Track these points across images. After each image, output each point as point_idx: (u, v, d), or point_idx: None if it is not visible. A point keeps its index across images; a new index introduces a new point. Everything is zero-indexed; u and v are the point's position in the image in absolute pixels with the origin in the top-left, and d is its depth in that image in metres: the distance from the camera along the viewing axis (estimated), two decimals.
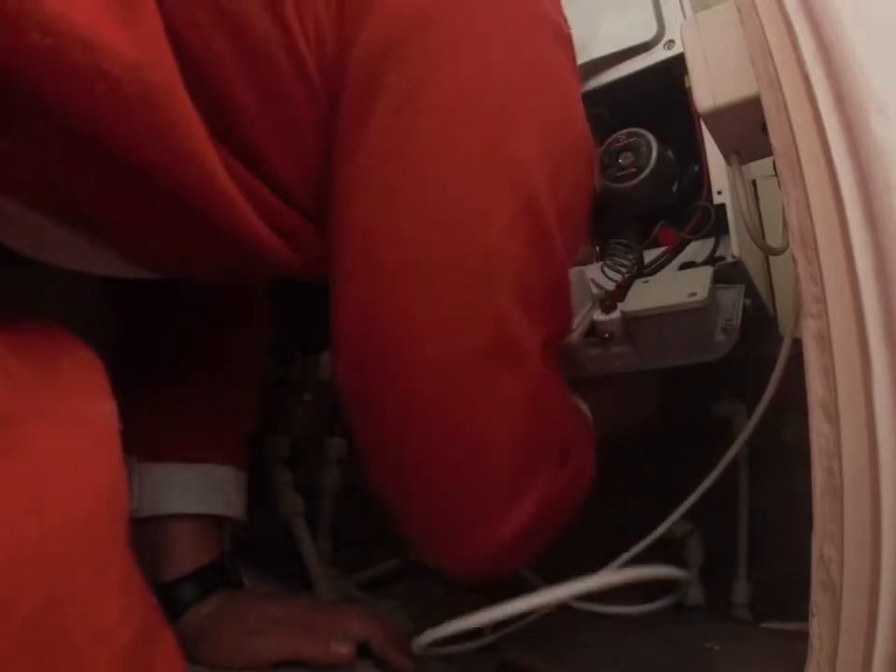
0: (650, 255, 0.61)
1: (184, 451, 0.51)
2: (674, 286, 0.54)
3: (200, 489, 0.51)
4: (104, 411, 0.28)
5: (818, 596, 0.25)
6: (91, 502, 0.24)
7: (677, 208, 0.67)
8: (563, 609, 0.56)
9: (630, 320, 0.52)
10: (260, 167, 0.36)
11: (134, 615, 0.26)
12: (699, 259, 0.62)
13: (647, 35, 0.67)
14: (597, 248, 0.65)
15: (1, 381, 0.22)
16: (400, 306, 0.36)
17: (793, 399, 0.30)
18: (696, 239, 0.65)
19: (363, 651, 0.47)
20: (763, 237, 0.55)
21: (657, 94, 0.59)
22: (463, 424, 0.37)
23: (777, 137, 0.29)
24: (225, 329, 0.59)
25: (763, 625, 0.54)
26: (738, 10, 0.35)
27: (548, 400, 0.42)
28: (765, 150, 0.38)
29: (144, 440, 0.49)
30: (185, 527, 0.50)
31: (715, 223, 0.63)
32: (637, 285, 0.56)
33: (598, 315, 0.53)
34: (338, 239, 0.39)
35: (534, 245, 0.38)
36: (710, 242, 0.63)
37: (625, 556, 0.59)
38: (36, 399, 0.23)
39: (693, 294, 0.52)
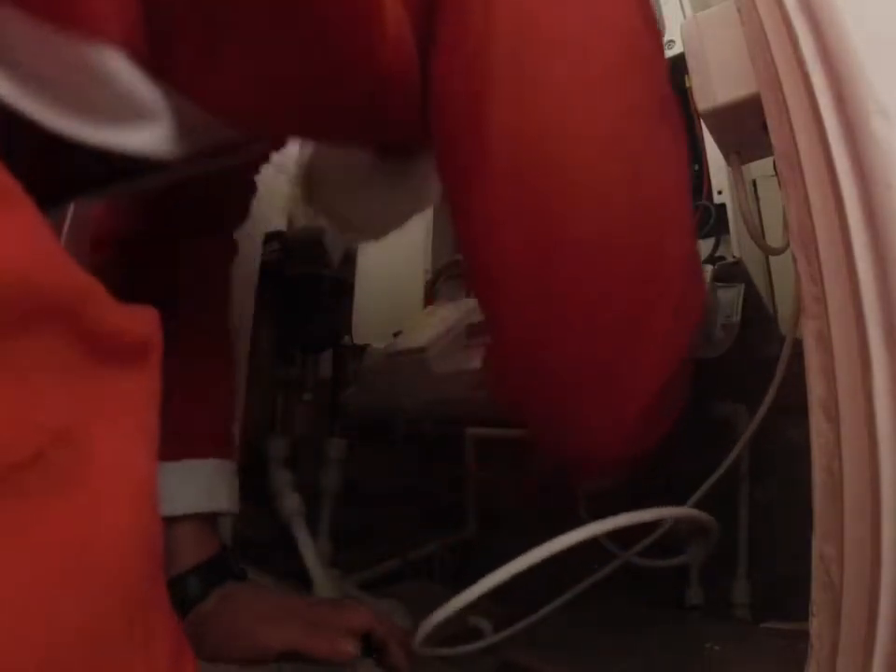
0: None
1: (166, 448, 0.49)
2: None
3: (192, 488, 0.49)
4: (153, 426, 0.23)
5: (818, 596, 0.25)
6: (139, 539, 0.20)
7: None
8: (564, 608, 0.56)
9: None
10: None
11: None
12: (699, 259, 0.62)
13: None
14: None
15: (63, 381, 0.18)
16: (554, 81, 0.32)
17: (794, 399, 0.30)
18: (697, 238, 0.65)
19: (363, 648, 0.47)
20: (764, 237, 0.55)
21: None
22: (637, 184, 0.33)
23: (777, 137, 0.29)
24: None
25: (762, 625, 0.54)
26: (738, 10, 0.35)
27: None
28: (765, 150, 0.38)
29: None
30: (182, 527, 0.48)
31: (715, 223, 0.64)
32: None
33: None
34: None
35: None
36: (710, 241, 0.64)
37: (625, 556, 0.59)
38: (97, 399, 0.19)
39: None
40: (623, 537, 0.63)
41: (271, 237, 0.84)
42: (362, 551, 0.83)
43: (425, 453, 0.90)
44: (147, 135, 0.30)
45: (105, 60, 0.26)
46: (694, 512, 0.48)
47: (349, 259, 0.91)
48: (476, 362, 0.61)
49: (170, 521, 0.47)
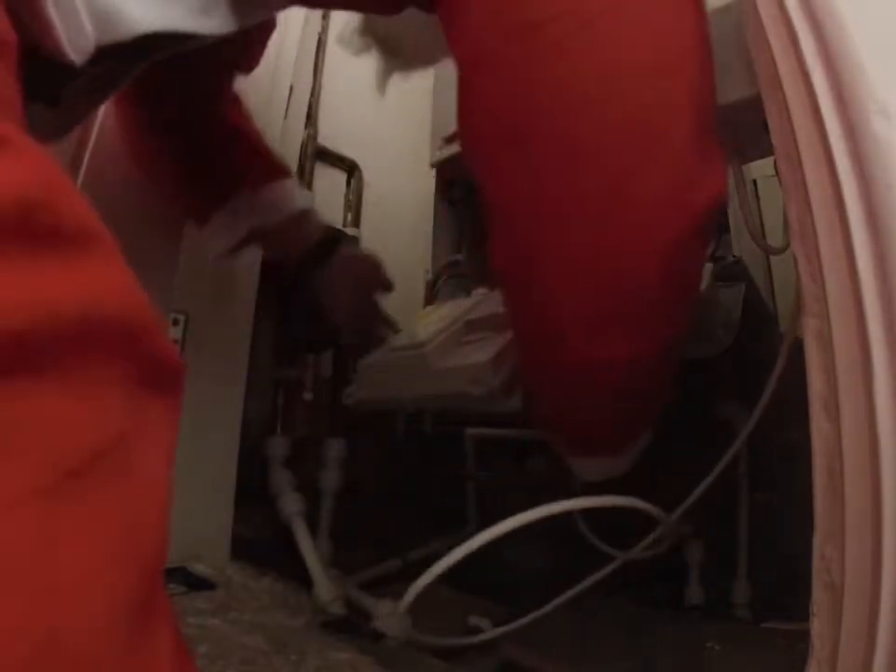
0: None
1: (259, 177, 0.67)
2: None
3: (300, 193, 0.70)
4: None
5: (818, 596, 0.24)
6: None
7: None
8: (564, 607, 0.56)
9: None
10: None
11: None
12: None
13: None
14: None
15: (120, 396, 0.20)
16: None
17: (794, 398, 0.30)
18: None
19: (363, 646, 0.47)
20: (764, 236, 0.55)
21: None
22: (638, 40, 0.33)
23: (777, 137, 0.29)
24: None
25: (763, 625, 0.54)
26: (739, 10, 0.35)
27: (709, 46, 0.37)
28: (766, 150, 0.38)
29: (243, 178, 0.66)
30: (308, 215, 0.71)
31: (716, 222, 0.64)
32: None
33: None
34: None
35: None
36: (711, 241, 0.63)
37: (625, 556, 0.59)
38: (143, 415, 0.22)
39: None
40: (622, 537, 0.63)
41: None
42: (362, 551, 0.83)
43: (425, 453, 0.90)
44: (217, 21, 0.39)
45: None
46: (639, 503, 0.49)
47: None
48: (474, 357, 0.61)
49: (300, 214, 0.70)
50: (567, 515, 0.62)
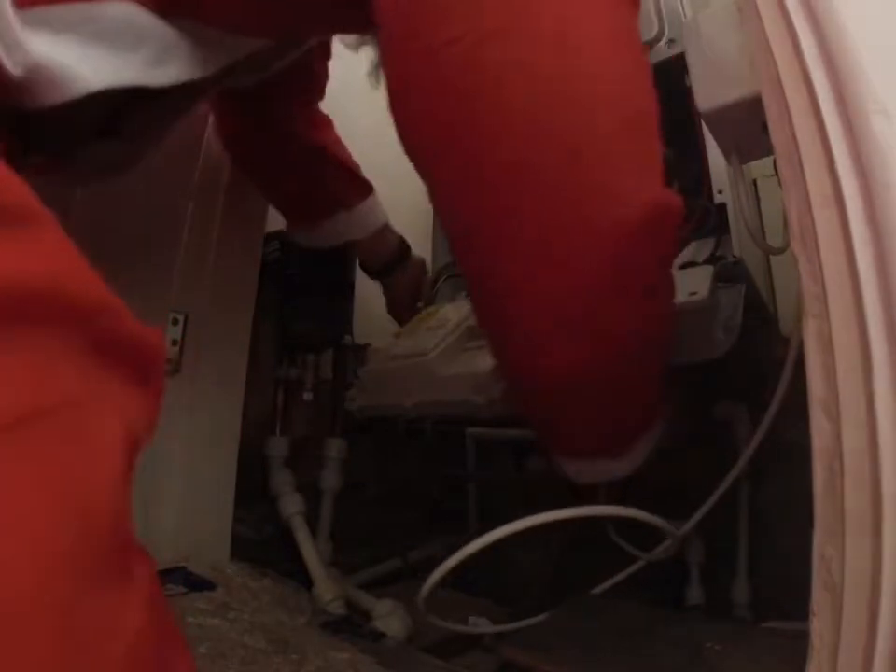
0: None
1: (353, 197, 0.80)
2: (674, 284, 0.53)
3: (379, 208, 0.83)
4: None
5: (818, 596, 0.24)
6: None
7: None
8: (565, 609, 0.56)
9: None
10: None
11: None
12: (700, 259, 0.62)
13: (648, 34, 0.67)
14: None
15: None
16: None
17: (795, 399, 0.30)
18: (697, 238, 0.65)
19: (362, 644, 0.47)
20: (764, 236, 0.55)
21: (658, 94, 0.59)
22: (550, 51, 0.34)
23: (777, 137, 0.29)
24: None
25: (763, 625, 0.54)
26: (739, 10, 0.35)
27: (634, 43, 0.39)
28: (766, 150, 0.38)
29: (340, 198, 0.78)
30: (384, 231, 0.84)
31: (715, 223, 0.63)
32: None
33: None
34: None
35: None
36: (711, 241, 0.63)
37: (648, 557, 0.59)
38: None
39: (694, 293, 0.52)
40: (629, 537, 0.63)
41: (271, 237, 0.84)
42: (362, 551, 0.83)
43: (425, 453, 0.90)
44: (174, 70, 0.40)
45: (122, 10, 0.35)
46: (646, 515, 0.50)
47: (349, 259, 0.91)
48: (477, 365, 0.61)
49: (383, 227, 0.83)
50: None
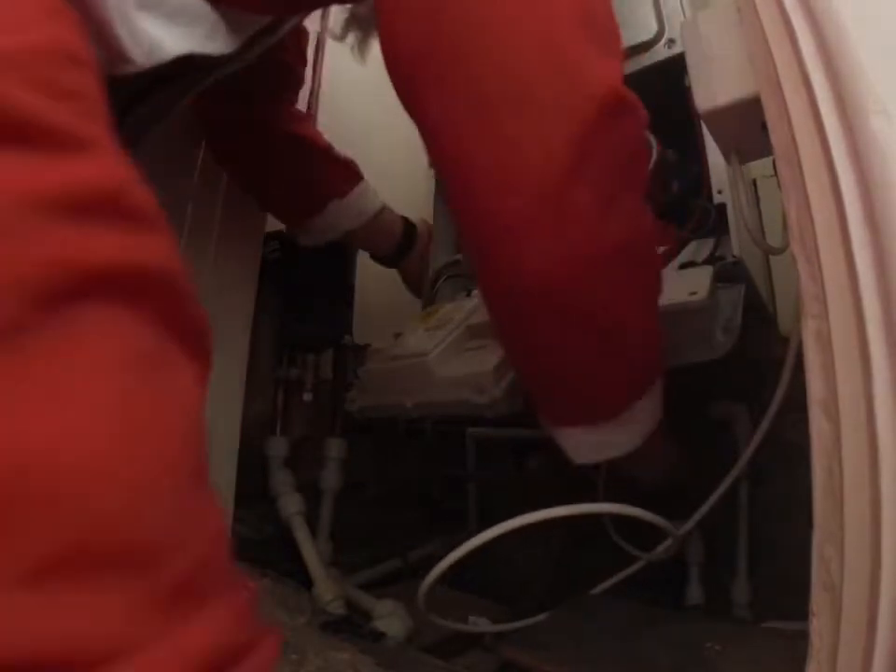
0: None
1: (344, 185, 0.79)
2: (674, 285, 0.53)
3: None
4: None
5: (818, 596, 0.25)
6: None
7: (677, 208, 0.67)
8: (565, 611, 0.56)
9: None
10: None
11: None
12: (699, 259, 0.62)
13: (647, 35, 0.67)
14: None
15: None
16: None
17: (794, 399, 0.30)
18: (696, 238, 0.65)
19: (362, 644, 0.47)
20: (763, 236, 0.55)
21: (657, 94, 0.59)
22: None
23: (776, 137, 0.29)
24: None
25: (763, 625, 0.54)
26: (738, 10, 0.35)
27: None
28: (765, 150, 0.38)
29: (331, 188, 0.77)
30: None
31: (715, 223, 0.63)
32: None
33: None
34: None
35: None
36: (710, 241, 0.63)
37: (648, 557, 0.59)
38: None
39: (694, 293, 0.52)
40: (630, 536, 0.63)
41: (271, 237, 0.84)
42: (362, 551, 0.83)
43: (425, 453, 0.90)
44: (220, 44, 0.48)
45: None
46: (649, 515, 0.49)
47: (350, 259, 0.91)
48: (477, 366, 0.61)
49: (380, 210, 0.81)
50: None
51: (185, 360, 0.27)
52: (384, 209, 0.83)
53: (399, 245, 0.86)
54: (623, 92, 0.41)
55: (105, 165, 0.24)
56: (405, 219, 0.87)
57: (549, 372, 0.48)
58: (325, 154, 0.77)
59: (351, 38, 0.68)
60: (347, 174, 0.79)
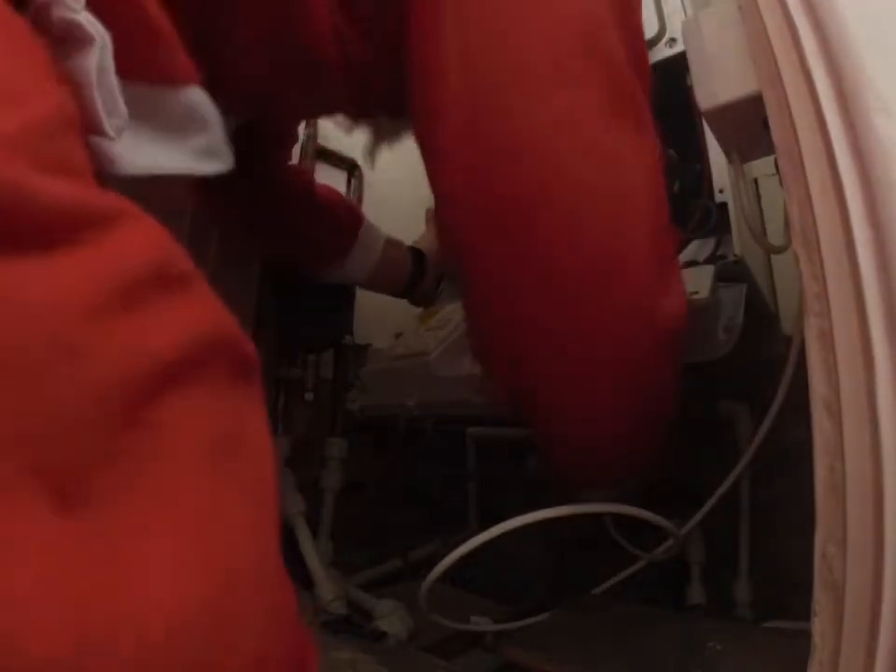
0: None
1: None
2: None
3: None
4: None
5: (820, 595, 0.24)
6: None
7: (678, 207, 0.67)
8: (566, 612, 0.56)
9: None
10: None
11: None
12: (701, 258, 0.62)
13: (649, 34, 0.67)
14: None
15: None
16: (515, 74, 0.38)
17: (796, 397, 0.30)
18: (698, 238, 0.65)
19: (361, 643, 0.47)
20: (765, 235, 0.55)
21: (658, 93, 0.59)
22: (604, 168, 0.38)
23: (778, 135, 0.29)
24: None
25: (764, 624, 0.54)
26: (740, 8, 0.35)
27: (663, 181, 0.43)
28: (767, 148, 0.37)
29: (322, 257, 0.73)
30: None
31: (717, 222, 0.63)
32: None
33: None
34: (427, 13, 0.40)
35: (622, 13, 0.41)
36: (712, 240, 0.63)
37: (649, 557, 0.59)
38: None
39: (695, 293, 0.52)
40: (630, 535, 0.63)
41: None
42: (363, 550, 0.83)
43: (425, 452, 0.90)
44: (221, 164, 0.39)
45: (195, 96, 0.35)
46: (650, 515, 0.50)
47: None
48: (478, 365, 0.61)
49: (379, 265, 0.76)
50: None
51: (251, 401, 0.26)
52: (385, 254, 0.78)
53: (411, 275, 0.82)
54: (679, 324, 0.40)
55: (135, 237, 0.22)
56: (411, 249, 0.83)
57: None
58: (321, 218, 0.72)
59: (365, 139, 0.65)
60: (346, 232, 0.74)
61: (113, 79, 0.29)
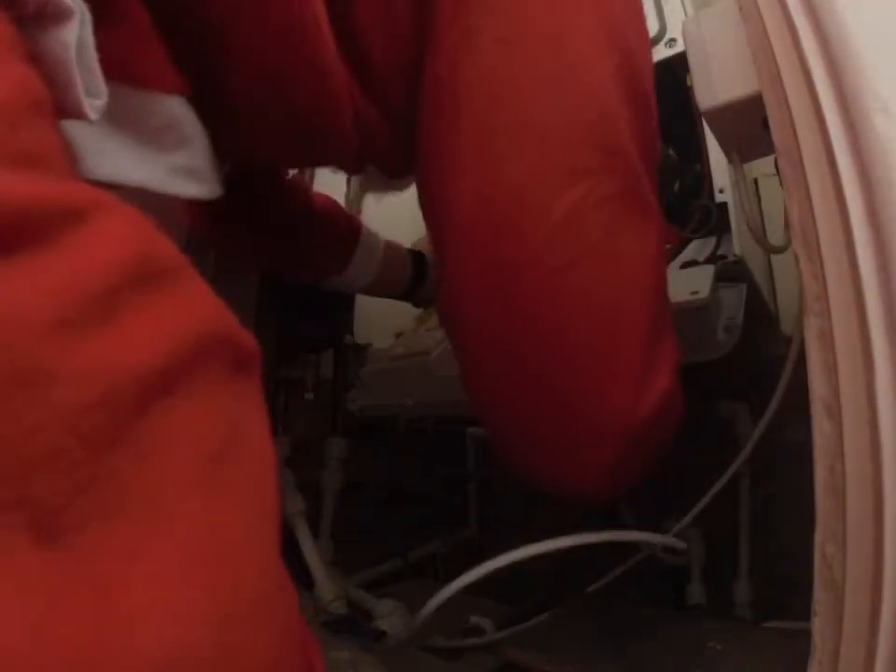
0: None
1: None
2: (676, 284, 0.53)
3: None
4: None
5: (820, 595, 0.24)
6: None
7: (678, 207, 0.67)
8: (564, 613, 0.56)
9: None
10: (352, 41, 0.38)
11: None
12: (701, 258, 0.62)
13: (649, 34, 0.67)
14: None
15: None
16: (523, 166, 0.37)
17: (795, 398, 0.30)
18: (698, 237, 0.65)
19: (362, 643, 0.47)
20: (765, 235, 0.55)
21: (659, 93, 0.59)
22: (601, 276, 0.38)
23: (778, 135, 0.29)
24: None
25: (764, 624, 0.54)
26: (740, 8, 0.35)
27: (664, 259, 0.42)
28: (767, 148, 0.37)
29: (322, 269, 0.71)
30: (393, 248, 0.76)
31: (717, 222, 0.63)
32: None
33: None
34: (446, 109, 0.39)
35: (634, 98, 0.41)
36: (712, 240, 0.63)
37: (630, 563, 0.59)
38: None
39: (695, 292, 0.52)
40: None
41: None
42: (363, 550, 0.83)
43: (425, 453, 0.90)
44: (206, 188, 0.37)
45: (176, 108, 0.33)
46: (668, 539, 0.50)
47: None
48: None
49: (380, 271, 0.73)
50: (574, 512, 0.62)
51: (251, 398, 0.25)
52: (386, 259, 0.76)
53: (412, 278, 0.80)
54: (661, 414, 0.40)
55: (112, 232, 0.20)
56: (412, 251, 0.81)
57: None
58: (321, 231, 0.70)
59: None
60: (343, 249, 0.72)
61: (93, 55, 0.27)
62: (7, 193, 0.17)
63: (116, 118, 0.30)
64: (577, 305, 0.38)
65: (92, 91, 0.27)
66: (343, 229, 0.72)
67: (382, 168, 0.52)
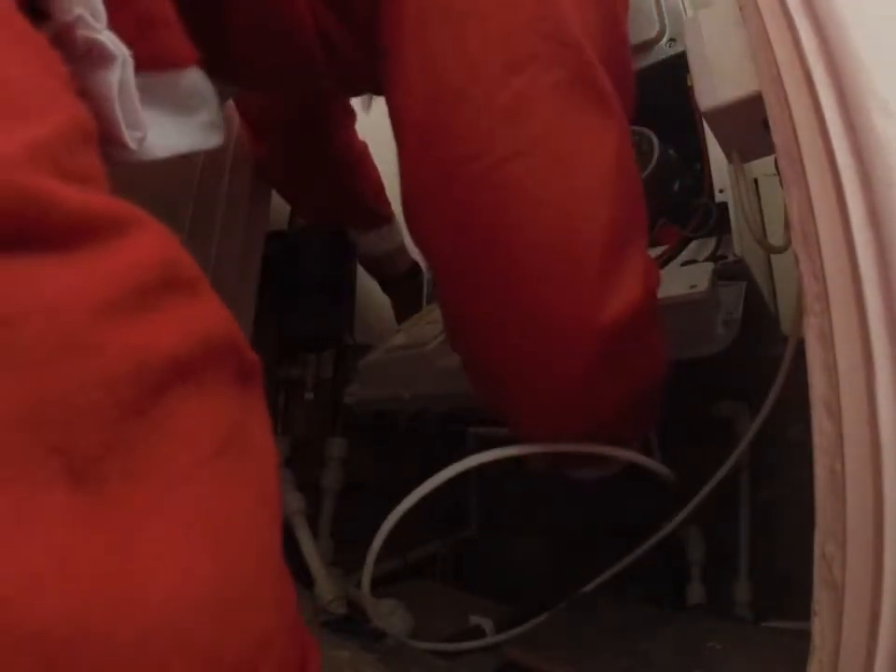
0: (650, 253, 0.61)
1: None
2: (675, 279, 0.54)
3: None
4: None
5: (820, 595, 0.24)
6: None
7: (678, 207, 0.67)
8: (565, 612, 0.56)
9: None
10: None
11: None
12: (701, 258, 0.62)
13: (649, 34, 0.67)
14: None
15: None
16: (467, 58, 0.38)
17: (795, 397, 0.30)
18: (698, 237, 0.65)
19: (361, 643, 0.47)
20: (765, 235, 0.55)
21: (659, 93, 0.59)
22: (551, 168, 0.38)
23: (778, 135, 0.29)
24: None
25: (764, 624, 0.54)
26: (740, 8, 0.35)
27: (633, 166, 0.42)
28: (767, 148, 0.38)
29: (374, 213, 0.83)
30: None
31: (717, 221, 0.63)
32: None
33: None
34: (392, 4, 0.40)
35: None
36: (712, 240, 0.63)
37: (629, 558, 0.59)
38: None
39: (694, 286, 0.52)
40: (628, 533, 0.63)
41: (271, 237, 0.84)
42: (363, 550, 0.83)
43: (426, 452, 0.90)
44: (220, 138, 0.43)
45: (195, 76, 0.38)
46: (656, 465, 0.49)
47: (350, 259, 0.91)
48: None
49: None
50: (574, 512, 0.62)
51: (254, 402, 0.27)
52: (399, 247, 0.87)
53: (404, 274, 0.90)
54: (629, 325, 0.39)
55: (147, 242, 0.23)
56: (416, 263, 0.91)
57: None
58: (376, 183, 0.80)
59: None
60: (380, 209, 0.83)
61: (134, 93, 0.31)
62: (71, 202, 0.20)
63: (158, 100, 0.36)
64: (526, 199, 0.38)
65: (132, 125, 0.32)
66: (381, 193, 0.82)
67: (358, 83, 0.55)
